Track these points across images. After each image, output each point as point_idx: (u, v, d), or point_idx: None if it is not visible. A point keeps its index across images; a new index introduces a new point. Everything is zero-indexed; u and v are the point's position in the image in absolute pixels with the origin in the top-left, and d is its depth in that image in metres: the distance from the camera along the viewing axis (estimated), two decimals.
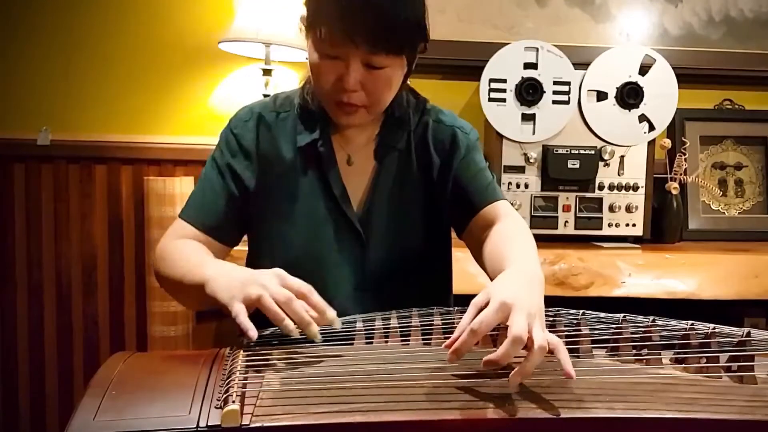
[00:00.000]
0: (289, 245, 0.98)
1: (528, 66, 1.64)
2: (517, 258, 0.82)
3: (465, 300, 1.05)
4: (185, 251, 0.93)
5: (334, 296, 0.96)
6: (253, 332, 0.75)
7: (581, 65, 1.66)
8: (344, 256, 0.98)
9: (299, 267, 0.95)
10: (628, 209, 1.69)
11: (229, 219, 0.99)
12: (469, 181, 1.01)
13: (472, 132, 1.06)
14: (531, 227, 1.64)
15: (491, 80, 1.64)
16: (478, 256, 0.98)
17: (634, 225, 1.70)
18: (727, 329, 0.76)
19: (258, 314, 0.95)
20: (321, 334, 0.77)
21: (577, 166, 1.65)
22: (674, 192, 1.75)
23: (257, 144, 0.99)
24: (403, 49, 0.89)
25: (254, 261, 1.02)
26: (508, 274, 0.77)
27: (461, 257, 1.19)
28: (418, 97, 1.05)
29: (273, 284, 0.77)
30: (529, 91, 1.63)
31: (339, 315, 0.84)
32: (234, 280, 0.80)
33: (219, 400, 0.62)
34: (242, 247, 1.06)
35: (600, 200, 1.69)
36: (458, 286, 1.14)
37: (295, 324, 0.74)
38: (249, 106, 1.04)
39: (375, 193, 1.00)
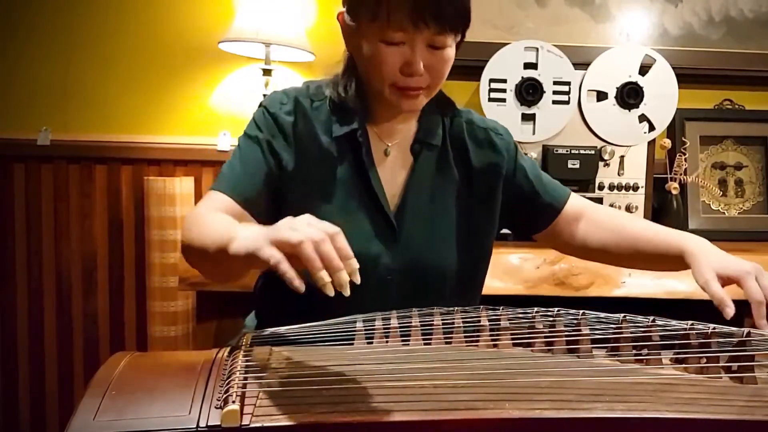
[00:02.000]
0: None
1: (528, 66, 1.64)
2: (674, 233, 0.98)
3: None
4: (215, 219, 0.86)
5: (361, 290, 0.95)
6: (299, 282, 0.66)
7: (581, 65, 1.66)
8: (375, 249, 0.97)
9: None
10: (628, 209, 1.69)
11: (266, 194, 0.95)
12: (537, 189, 1.08)
13: (507, 134, 1.09)
14: None
15: (491, 80, 1.64)
16: (571, 243, 1.10)
17: None
18: (727, 329, 0.76)
19: (266, 307, 0.93)
20: (321, 334, 0.77)
21: (577, 166, 1.64)
22: (674, 192, 1.75)
23: (295, 128, 0.97)
24: (465, 24, 0.92)
25: None
26: (703, 245, 0.92)
27: None
28: (443, 93, 1.05)
29: (304, 226, 0.68)
30: (529, 91, 1.63)
31: (364, 309, 0.83)
32: (260, 231, 0.71)
33: (219, 400, 0.62)
34: None
35: (600, 200, 1.69)
36: None
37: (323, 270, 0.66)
38: (283, 90, 1.02)
39: (410, 188, 1.00)
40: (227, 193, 0.92)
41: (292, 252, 0.66)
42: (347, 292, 0.66)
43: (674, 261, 0.94)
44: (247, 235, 0.72)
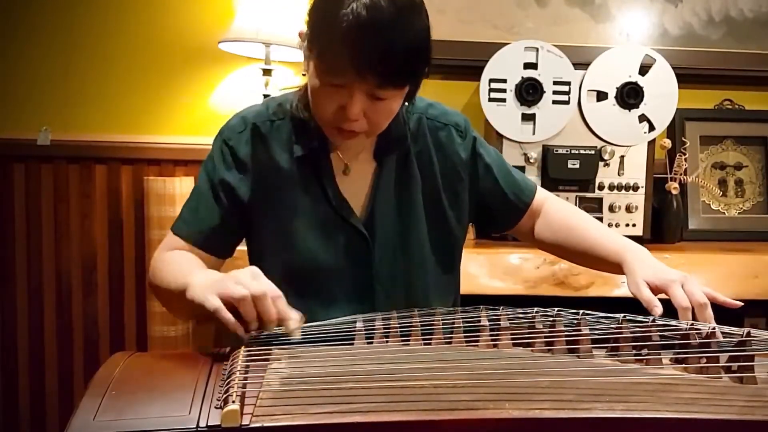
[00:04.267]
0: (293, 255, 0.97)
1: (528, 66, 1.64)
2: (618, 241, 1.00)
3: (467, 301, 1.06)
4: (176, 260, 0.93)
5: (340, 303, 0.97)
6: (240, 329, 0.76)
7: (581, 65, 1.66)
8: (349, 260, 0.98)
9: (304, 276, 0.96)
10: (628, 209, 1.69)
11: (222, 233, 0.98)
12: (503, 189, 1.07)
13: (467, 129, 1.06)
14: None
15: (491, 80, 1.64)
16: (529, 236, 1.12)
17: (634, 225, 1.70)
18: (727, 329, 0.76)
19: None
20: (321, 334, 0.77)
21: (577, 166, 1.65)
22: (674, 192, 1.75)
23: (252, 156, 0.97)
24: (412, 81, 0.88)
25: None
26: (640, 256, 0.95)
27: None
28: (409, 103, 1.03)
29: (248, 280, 0.76)
30: (529, 91, 1.63)
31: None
32: (211, 280, 0.80)
33: (219, 400, 0.62)
34: (242, 247, 1.05)
35: (600, 200, 1.69)
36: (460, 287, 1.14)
37: (258, 321, 0.76)
38: (241, 114, 1.01)
39: (376, 195, 0.99)
40: (183, 238, 0.97)
41: (234, 304, 0.75)
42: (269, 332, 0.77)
43: (614, 267, 0.99)
44: (199, 285, 0.80)
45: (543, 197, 1.11)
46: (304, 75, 0.93)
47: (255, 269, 0.79)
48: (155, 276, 0.94)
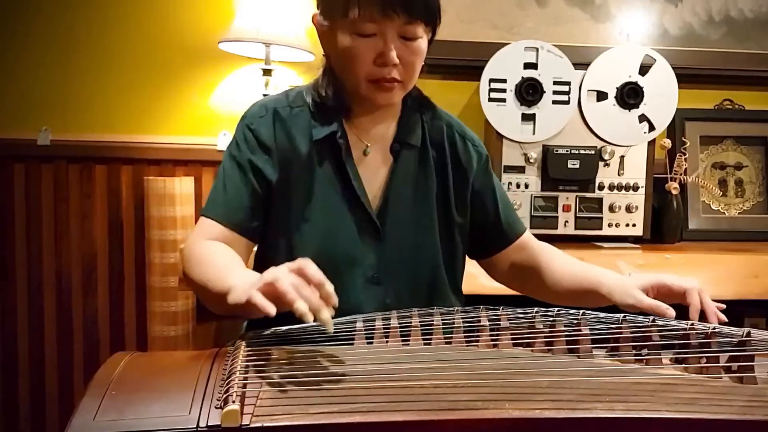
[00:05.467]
0: (305, 239, 0.98)
1: (528, 66, 1.64)
2: (596, 270, 1.03)
3: (467, 301, 1.06)
4: (212, 256, 0.91)
5: (348, 290, 0.97)
6: (271, 308, 0.70)
7: (581, 65, 1.66)
8: (360, 249, 0.98)
9: (315, 260, 0.96)
10: (628, 209, 1.69)
11: (253, 214, 0.98)
12: (500, 213, 1.10)
13: (482, 147, 1.10)
14: (531, 227, 1.66)
15: (491, 80, 1.64)
16: (505, 273, 1.13)
17: (634, 225, 1.70)
18: (727, 329, 0.76)
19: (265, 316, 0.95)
20: (322, 334, 0.77)
21: (577, 166, 1.64)
22: (674, 192, 1.75)
23: (275, 139, 0.99)
24: (434, 16, 0.94)
25: (267, 254, 1.02)
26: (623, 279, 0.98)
27: None
28: (422, 94, 1.07)
29: (285, 271, 0.73)
30: (529, 91, 1.63)
31: (352, 309, 0.86)
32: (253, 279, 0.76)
33: (219, 400, 0.62)
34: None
35: (600, 200, 1.69)
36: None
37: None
38: (261, 102, 1.03)
39: (391, 187, 1.01)
40: (217, 221, 0.96)
41: (271, 289, 0.70)
42: (330, 329, 0.71)
43: (592, 295, 1.00)
44: (243, 286, 0.76)
45: (527, 238, 1.13)
46: (324, 56, 0.99)
47: (305, 261, 0.74)
48: (190, 267, 0.92)
